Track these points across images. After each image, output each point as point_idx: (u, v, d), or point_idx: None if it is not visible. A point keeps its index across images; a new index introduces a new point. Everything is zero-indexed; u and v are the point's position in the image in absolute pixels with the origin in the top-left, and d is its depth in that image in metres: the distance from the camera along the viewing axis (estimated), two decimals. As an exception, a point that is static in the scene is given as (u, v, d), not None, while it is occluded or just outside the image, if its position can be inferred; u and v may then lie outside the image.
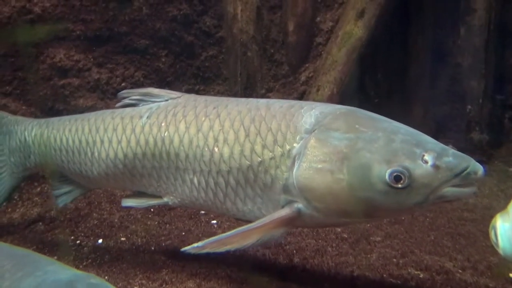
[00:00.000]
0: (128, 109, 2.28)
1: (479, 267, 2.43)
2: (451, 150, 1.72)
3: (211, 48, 4.01)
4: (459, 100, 4.48)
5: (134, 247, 2.72)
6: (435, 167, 1.66)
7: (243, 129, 1.94)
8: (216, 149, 1.97)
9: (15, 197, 3.34)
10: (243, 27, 3.92)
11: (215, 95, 4.02)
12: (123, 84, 3.74)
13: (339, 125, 1.81)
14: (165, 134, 2.10)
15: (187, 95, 2.25)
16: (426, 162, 1.67)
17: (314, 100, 3.96)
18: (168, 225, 3.01)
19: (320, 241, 2.71)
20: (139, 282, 2.26)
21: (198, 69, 4.00)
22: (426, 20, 4.47)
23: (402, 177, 1.66)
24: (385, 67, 4.47)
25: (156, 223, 3.04)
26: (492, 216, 3.21)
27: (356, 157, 1.73)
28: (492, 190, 3.84)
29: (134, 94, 2.30)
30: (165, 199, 2.20)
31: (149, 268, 2.39)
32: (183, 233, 2.87)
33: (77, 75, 3.62)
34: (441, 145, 1.75)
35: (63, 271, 1.50)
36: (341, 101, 3.92)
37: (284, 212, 1.85)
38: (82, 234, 2.90)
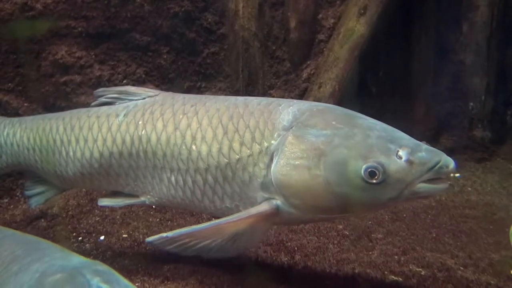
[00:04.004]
0: (104, 108, 2.23)
1: (481, 265, 2.42)
2: (424, 146, 1.74)
3: (213, 45, 4.00)
4: (462, 97, 4.46)
5: (135, 244, 2.72)
6: (409, 162, 1.68)
7: (221, 126, 1.93)
8: (194, 147, 1.96)
9: (17, 194, 3.35)
10: (245, 24, 3.91)
11: (216, 92, 4.02)
12: (124, 81, 3.74)
13: (316, 122, 1.82)
14: (142, 133, 2.07)
15: (165, 93, 2.22)
16: (400, 157, 1.69)
17: (316, 97, 3.95)
18: (169, 222, 3.01)
19: (321, 238, 2.71)
20: (141, 278, 2.26)
21: (200, 66, 4.00)
22: (428, 16, 4.45)
23: (377, 172, 1.68)
24: (387, 64, 4.45)
25: (157, 220, 3.04)
26: (493, 214, 3.23)
27: (332, 154, 1.74)
28: (494, 187, 3.84)
29: (110, 92, 2.25)
30: (142, 198, 2.17)
31: (150, 264, 2.39)
32: (185, 230, 2.88)
33: (79, 72, 3.61)
34: (415, 141, 1.77)
35: (71, 258, 1.53)
36: (343, 98, 3.91)
37: (263, 207, 1.85)
38: (84, 231, 2.91)
